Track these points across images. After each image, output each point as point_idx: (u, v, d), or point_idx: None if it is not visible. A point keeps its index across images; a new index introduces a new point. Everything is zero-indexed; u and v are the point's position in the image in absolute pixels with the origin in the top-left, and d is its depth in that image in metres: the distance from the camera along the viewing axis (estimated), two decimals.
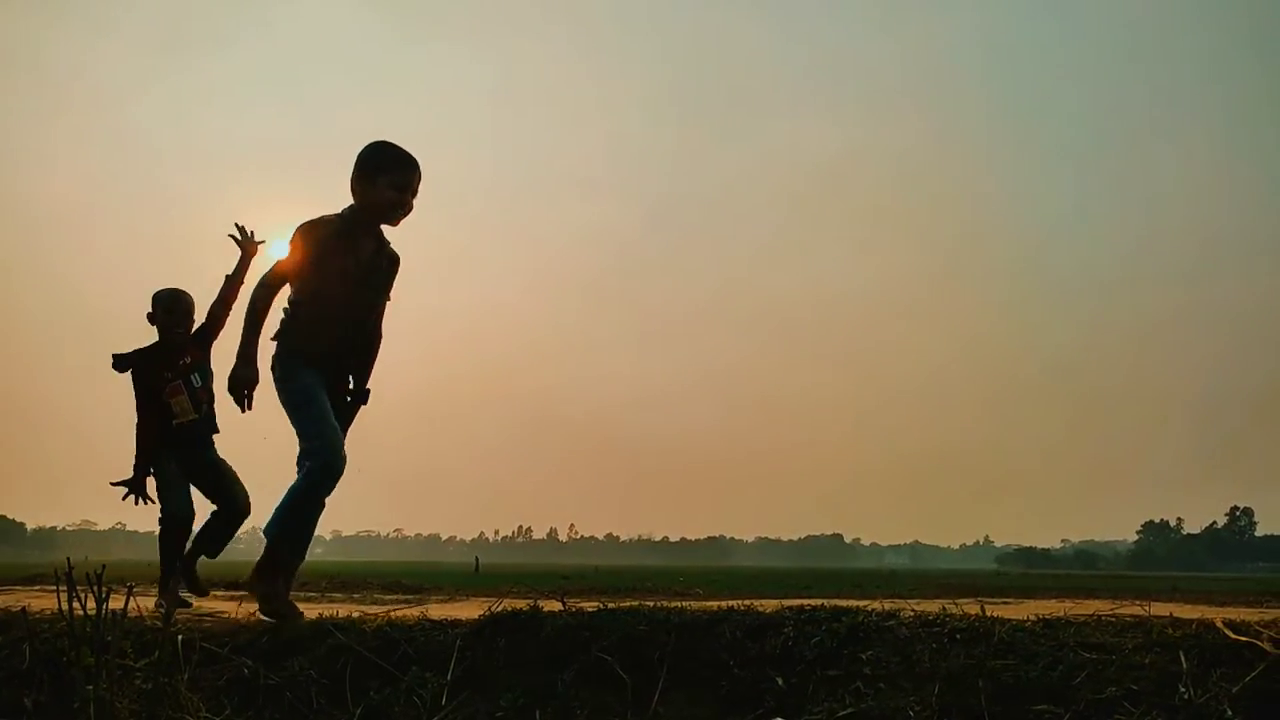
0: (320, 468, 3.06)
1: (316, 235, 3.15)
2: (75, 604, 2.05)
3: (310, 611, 3.12)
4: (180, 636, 2.46)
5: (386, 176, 3.14)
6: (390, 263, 3.30)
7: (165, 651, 2.20)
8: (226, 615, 3.17)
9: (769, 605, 2.52)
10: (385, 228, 3.26)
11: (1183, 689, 1.73)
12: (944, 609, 2.34)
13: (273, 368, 3.17)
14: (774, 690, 2.04)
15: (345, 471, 3.15)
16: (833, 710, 1.91)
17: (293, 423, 3.13)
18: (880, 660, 2.01)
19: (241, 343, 3.09)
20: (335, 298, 3.18)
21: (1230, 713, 1.66)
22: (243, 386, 3.07)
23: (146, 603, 2.82)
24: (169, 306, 4.08)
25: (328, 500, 3.17)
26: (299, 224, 3.18)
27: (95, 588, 2.05)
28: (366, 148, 3.20)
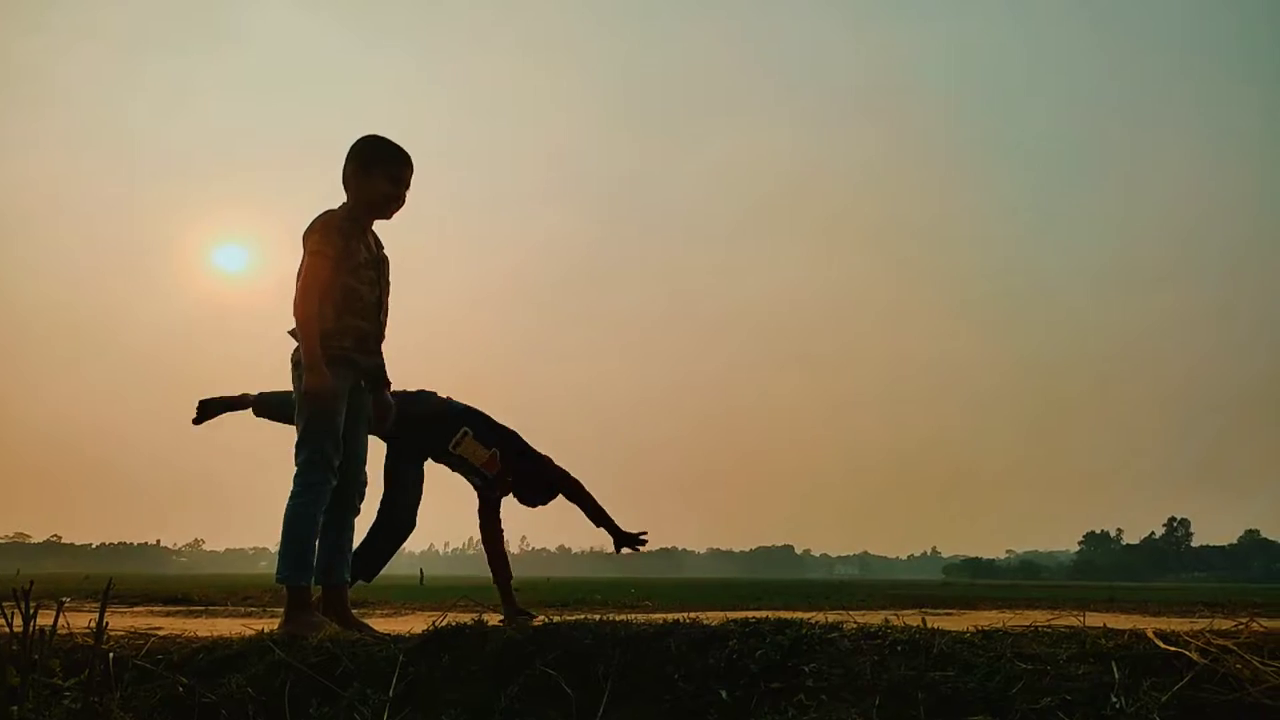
0: (314, 483, 3.02)
1: (340, 227, 3.10)
2: (0, 620, 1.98)
3: (250, 627, 3.06)
4: (112, 654, 2.40)
5: (382, 169, 3.14)
6: (386, 260, 3.31)
7: (96, 670, 2.14)
8: (162, 631, 3.10)
9: (715, 618, 2.53)
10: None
11: (1114, 699, 1.77)
12: (886, 621, 2.37)
13: (298, 363, 3.09)
14: (718, 703, 2.04)
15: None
16: None
17: (299, 422, 3.07)
18: (822, 673, 2.02)
19: (311, 353, 2.99)
20: (362, 292, 3.15)
21: None
22: (327, 395, 3.00)
23: (77, 620, 2.73)
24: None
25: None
26: (314, 220, 3.10)
27: (22, 603, 1.98)
28: (360, 141, 3.19)
